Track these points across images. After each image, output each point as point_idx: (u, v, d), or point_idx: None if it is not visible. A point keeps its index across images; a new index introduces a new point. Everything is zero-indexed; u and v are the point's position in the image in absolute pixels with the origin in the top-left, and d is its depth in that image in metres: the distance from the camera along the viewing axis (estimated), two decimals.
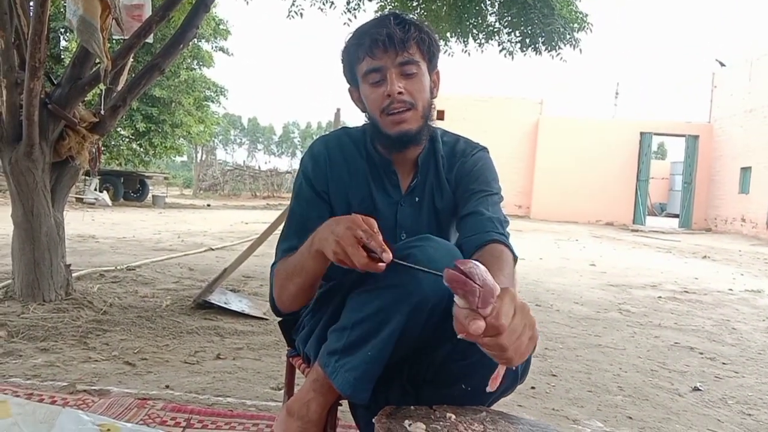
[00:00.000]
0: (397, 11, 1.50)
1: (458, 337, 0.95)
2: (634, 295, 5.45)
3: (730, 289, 6.10)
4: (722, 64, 19.52)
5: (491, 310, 0.90)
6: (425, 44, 1.44)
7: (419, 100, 1.44)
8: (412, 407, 1.17)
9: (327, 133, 1.67)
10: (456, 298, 0.92)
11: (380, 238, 1.15)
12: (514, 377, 1.26)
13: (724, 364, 3.22)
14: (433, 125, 1.56)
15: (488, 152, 1.59)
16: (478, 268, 0.92)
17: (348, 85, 1.56)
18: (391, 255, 1.14)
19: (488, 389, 1.03)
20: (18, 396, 2.01)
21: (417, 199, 1.53)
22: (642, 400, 2.53)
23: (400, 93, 1.40)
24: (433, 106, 1.49)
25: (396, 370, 1.42)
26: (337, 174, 1.54)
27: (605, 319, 4.26)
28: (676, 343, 3.63)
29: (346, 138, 1.59)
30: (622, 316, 4.39)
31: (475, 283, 0.90)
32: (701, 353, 3.41)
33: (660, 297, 5.38)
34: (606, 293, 5.44)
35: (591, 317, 4.28)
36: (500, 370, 1.01)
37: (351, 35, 1.48)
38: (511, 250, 1.35)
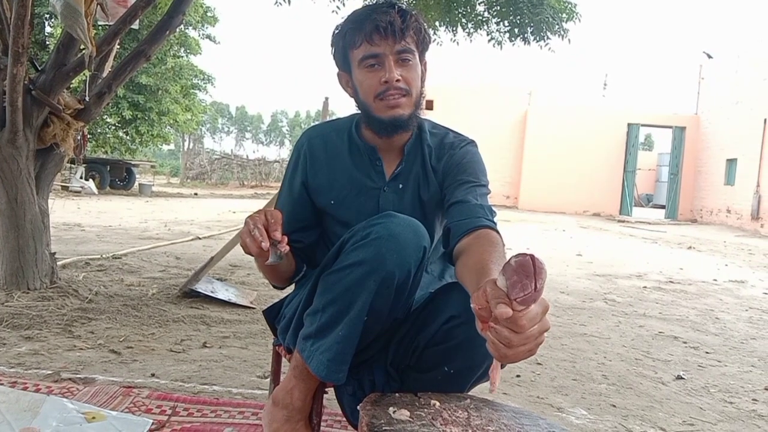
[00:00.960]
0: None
1: (471, 305, 0.94)
2: (619, 284, 5.49)
3: (715, 280, 6.17)
4: (709, 56, 19.61)
5: (524, 310, 0.88)
6: (420, 34, 1.47)
7: (413, 87, 1.46)
8: (396, 394, 1.18)
9: (315, 123, 1.69)
10: (500, 276, 0.90)
11: (262, 228, 1.24)
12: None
13: (707, 353, 3.25)
14: (422, 116, 1.58)
15: (476, 146, 1.61)
16: (545, 273, 0.90)
17: (337, 70, 1.56)
18: (268, 243, 1.23)
19: (490, 390, 1.00)
20: (2, 384, 2.00)
21: (401, 185, 1.54)
22: (626, 389, 2.55)
23: (397, 80, 1.42)
24: (423, 95, 1.51)
25: (379, 356, 1.43)
26: (317, 166, 1.56)
27: (591, 308, 4.30)
28: (660, 332, 3.66)
29: (329, 128, 1.62)
30: (608, 306, 4.42)
31: (536, 283, 0.88)
32: (685, 342, 3.45)
33: (645, 287, 5.43)
34: (592, 283, 5.48)
35: (577, 306, 4.31)
36: (496, 365, 0.99)
37: (347, 19, 1.49)
38: (500, 234, 1.36)
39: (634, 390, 2.54)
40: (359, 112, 1.55)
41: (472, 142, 1.60)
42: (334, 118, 1.76)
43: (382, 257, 1.24)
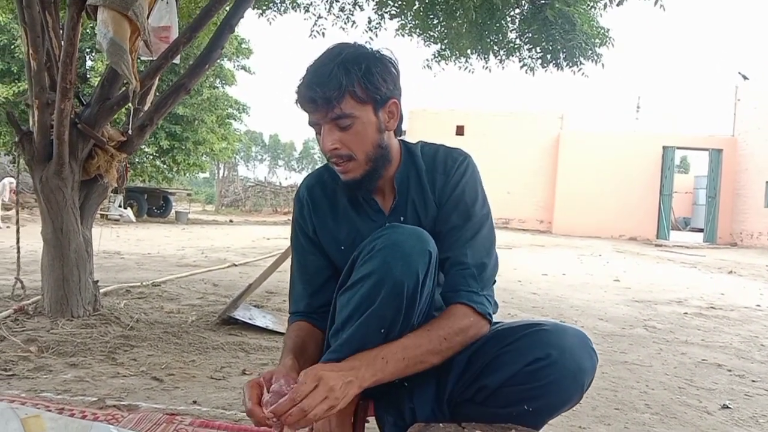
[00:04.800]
0: (343, 52, 1.38)
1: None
2: (659, 311, 5.39)
3: (758, 305, 6.00)
4: (745, 78, 19.32)
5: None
6: (365, 89, 1.35)
7: (358, 151, 1.39)
8: (440, 425, 1.18)
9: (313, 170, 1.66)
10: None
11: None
12: (579, 395, 1.34)
13: (753, 381, 3.16)
14: (412, 142, 1.56)
15: (470, 160, 1.53)
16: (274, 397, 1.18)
17: None
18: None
19: None
20: (50, 410, 2.05)
21: (402, 218, 1.50)
22: (670, 418, 2.50)
23: (334, 149, 1.37)
24: (383, 145, 1.43)
25: (421, 384, 1.43)
26: (321, 214, 1.55)
27: (631, 335, 4.22)
28: (703, 359, 3.58)
29: (326, 174, 1.58)
30: (648, 333, 4.34)
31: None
32: (729, 370, 3.36)
33: (686, 313, 5.31)
34: (631, 309, 5.39)
35: (616, 333, 4.24)
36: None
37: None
38: (476, 308, 1.37)
39: (678, 420, 2.49)
40: None
41: (464, 160, 1.52)
42: None
43: (389, 266, 1.26)
